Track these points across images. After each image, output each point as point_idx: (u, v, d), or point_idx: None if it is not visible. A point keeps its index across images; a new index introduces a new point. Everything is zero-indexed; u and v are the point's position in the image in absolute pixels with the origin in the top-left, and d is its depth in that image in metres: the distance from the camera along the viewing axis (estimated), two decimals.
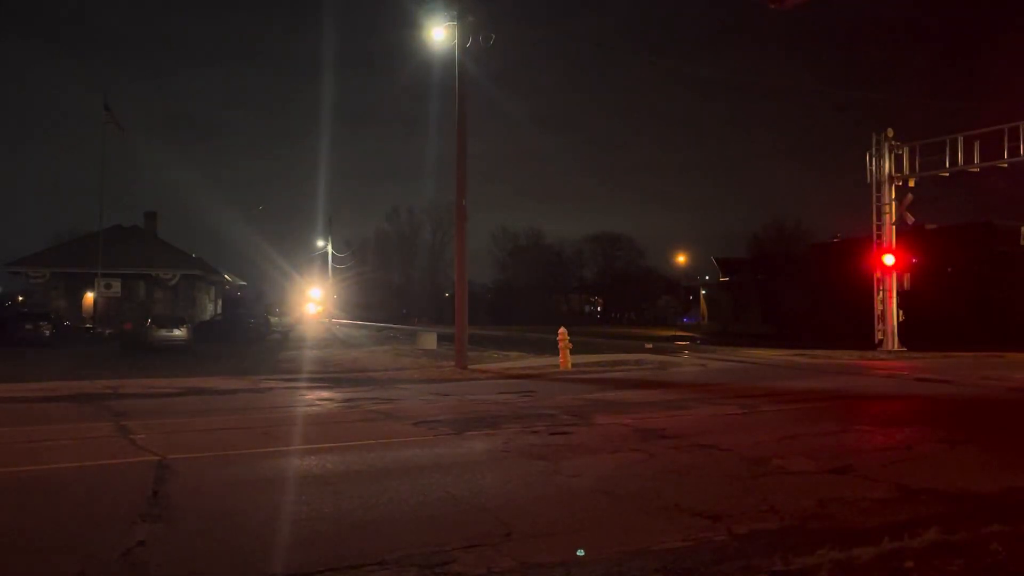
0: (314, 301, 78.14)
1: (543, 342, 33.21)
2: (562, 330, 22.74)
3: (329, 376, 20.01)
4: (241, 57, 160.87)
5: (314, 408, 13.50)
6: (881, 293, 30.03)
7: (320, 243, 77.49)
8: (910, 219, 30.25)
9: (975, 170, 27.87)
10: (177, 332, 32.00)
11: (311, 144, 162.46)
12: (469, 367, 21.64)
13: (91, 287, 40.75)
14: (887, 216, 30.04)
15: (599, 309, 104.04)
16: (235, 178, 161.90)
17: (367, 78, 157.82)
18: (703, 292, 68.16)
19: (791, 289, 45.47)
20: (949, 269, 36.74)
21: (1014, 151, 26.37)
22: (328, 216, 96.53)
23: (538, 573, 4.81)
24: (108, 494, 6.98)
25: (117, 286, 40.70)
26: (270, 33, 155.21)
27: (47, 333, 32.42)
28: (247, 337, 38.55)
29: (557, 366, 21.72)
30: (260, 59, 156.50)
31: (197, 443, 9.65)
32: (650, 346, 34.61)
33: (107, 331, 37.32)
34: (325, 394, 15.66)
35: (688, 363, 24.25)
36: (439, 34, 22.53)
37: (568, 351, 22.18)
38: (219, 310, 53.06)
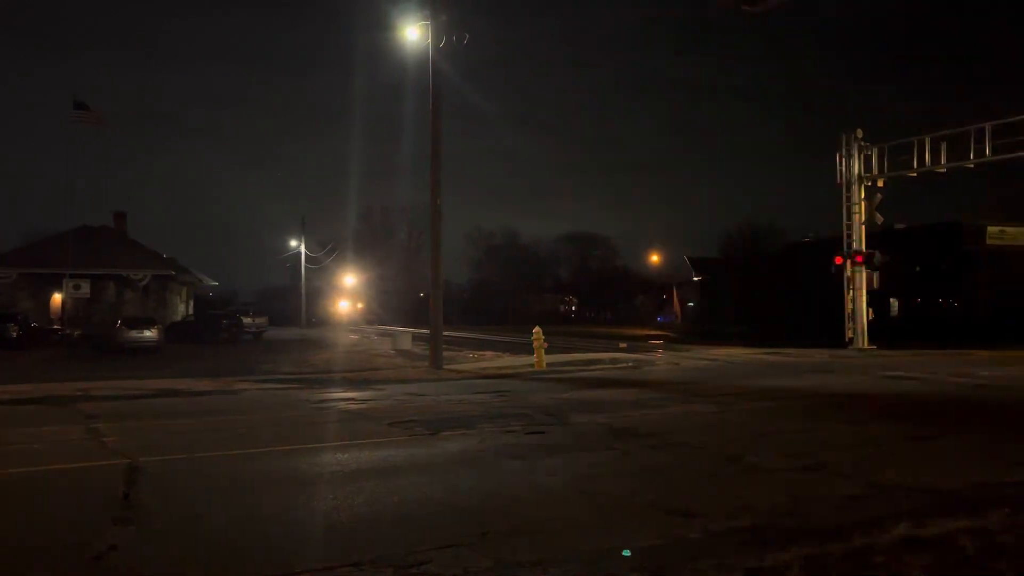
0: (348, 297, 72.76)
1: (518, 342, 33.26)
2: (537, 329, 22.78)
3: (303, 377, 19.88)
4: (214, 55, 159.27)
5: (288, 409, 13.40)
6: (851, 292, 30.45)
7: (293, 243, 76.98)
8: (879, 219, 30.72)
9: (942, 171, 28.32)
10: (148, 333, 31.64)
11: (285, 143, 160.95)
12: (444, 367, 21.61)
13: (59, 288, 40.07)
14: (857, 216, 30.46)
15: (574, 309, 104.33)
16: (210, 177, 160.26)
17: (342, 76, 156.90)
18: (677, 291, 68.61)
19: (764, 288, 45.93)
20: (917, 268, 37.31)
21: (980, 152, 26.85)
22: (302, 217, 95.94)
23: (514, 572, 4.82)
24: (78, 498, 6.88)
25: (86, 287, 40.04)
26: (246, 31, 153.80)
27: (14, 335, 31.91)
28: (220, 338, 38.20)
29: (532, 366, 21.74)
30: (235, 57, 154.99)
31: (169, 445, 9.54)
32: (624, 345, 34.77)
33: (76, 332, 36.79)
34: (299, 395, 15.56)
35: (662, 362, 24.39)
36: (413, 33, 22.47)
37: (543, 351, 22.22)
38: (191, 311, 52.48)
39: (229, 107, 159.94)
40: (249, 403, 14.40)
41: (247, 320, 45.96)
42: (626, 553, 5.06)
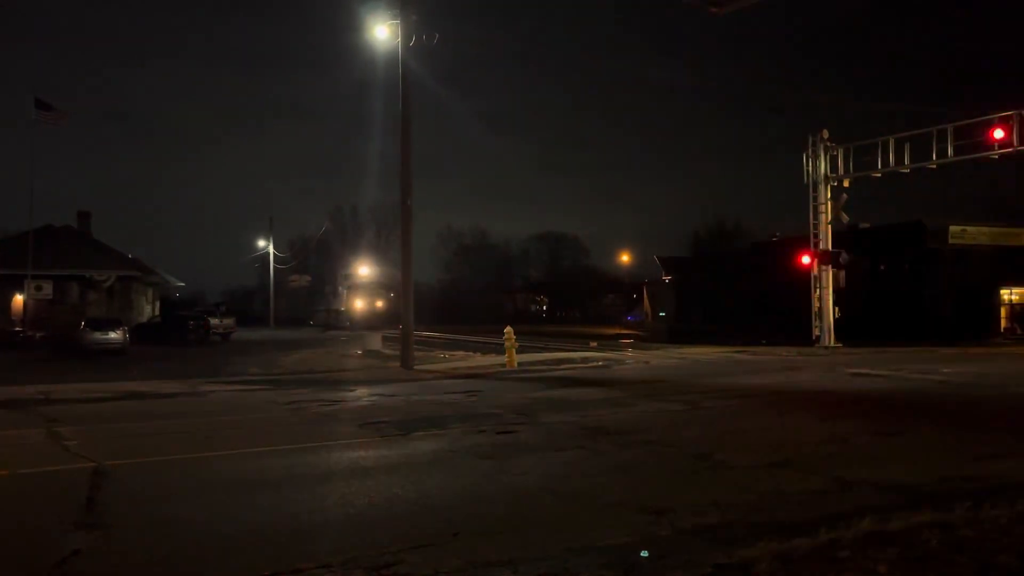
0: (370, 288, 65.98)
1: (489, 341, 33.26)
2: (508, 329, 22.79)
3: (272, 378, 19.70)
4: (178, 53, 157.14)
5: (257, 411, 13.27)
6: (818, 291, 30.86)
7: (261, 243, 76.29)
8: (845, 218, 31.17)
9: (905, 171, 28.80)
10: (112, 335, 31.14)
11: (254, 141, 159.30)
12: (415, 367, 21.54)
13: (20, 289, 39.30)
14: (823, 215, 30.87)
15: (545, 308, 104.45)
16: (176, 177, 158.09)
17: (312, 76, 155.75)
18: (647, 290, 69.03)
19: (732, 287, 46.31)
20: (882, 267, 37.88)
21: (942, 152, 27.35)
22: (269, 217, 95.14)
23: (485, 572, 4.82)
24: (40, 503, 6.76)
25: (48, 288, 39.29)
26: (212, 28, 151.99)
27: None
28: (187, 339, 37.72)
29: (503, 365, 21.75)
30: (200, 55, 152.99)
31: (134, 448, 9.39)
32: (595, 344, 34.91)
33: (38, 335, 36.10)
34: (268, 396, 15.41)
35: (632, 361, 24.52)
36: (382, 32, 22.38)
37: (514, 350, 22.25)
38: (157, 312, 51.73)
39: (193, 105, 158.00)
40: (217, 405, 14.23)
41: (215, 321, 45.38)
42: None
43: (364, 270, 68.06)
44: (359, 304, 64.66)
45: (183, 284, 61.32)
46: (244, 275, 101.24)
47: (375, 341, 31.05)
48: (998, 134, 25.97)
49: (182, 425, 11.62)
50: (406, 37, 21.94)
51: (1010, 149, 25.94)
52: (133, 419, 12.23)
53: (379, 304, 64.59)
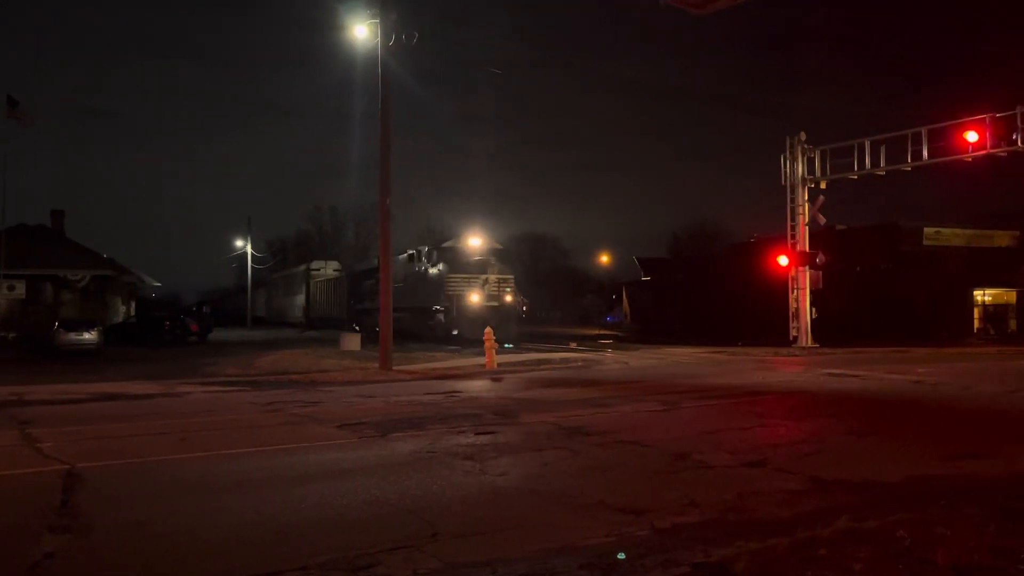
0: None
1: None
2: (488, 330, 22.78)
3: (249, 379, 19.54)
4: (155, 51, 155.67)
5: (234, 412, 13.15)
6: (795, 292, 31.14)
7: (239, 243, 75.67)
8: (822, 220, 31.48)
9: (881, 173, 29.13)
10: (87, 335, 30.74)
11: (232, 140, 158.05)
12: (394, 368, 21.46)
13: None
14: (800, 217, 31.16)
15: (524, 308, 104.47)
16: (153, 176, 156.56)
17: (291, 74, 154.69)
18: (626, 291, 69.25)
19: (710, 288, 46.60)
20: (858, 268, 38.27)
21: (917, 155, 27.69)
22: (247, 217, 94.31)
23: (464, 573, 4.81)
24: (12, 505, 6.65)
25: (21, 288, 38.73)
26: (191, 26, 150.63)
27: None
28: (163, 340, 37.33)
29: (483, 366, 21.74)
30: (177, 53, 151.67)
31: (109, 450, 9.28)
32: (574, 344, 34.97)
33: (11, 335, 35.60)
34: (245, 397, 15.29)
35: (611, 361, 24.60)
36: (361, 31, 22.28)
37: (494, 351, 22.25)
38: (133, 312, 51.18)
39: (171, 104, 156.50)
40: (193, 406, 14.09)
41: (192, 321, 44.92)
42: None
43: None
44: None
45: (159, 284, 60.62)
46: (222, 275, 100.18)
47: (354, 342, 30.83)
48: (971, 137, 26.35)
49: (158, 427, 11.49)
50: (385, 36, 21.86)
51: (983, 152, 26.34)
52: (108, 421, 12.09)
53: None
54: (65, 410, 13.47)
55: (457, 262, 33.95)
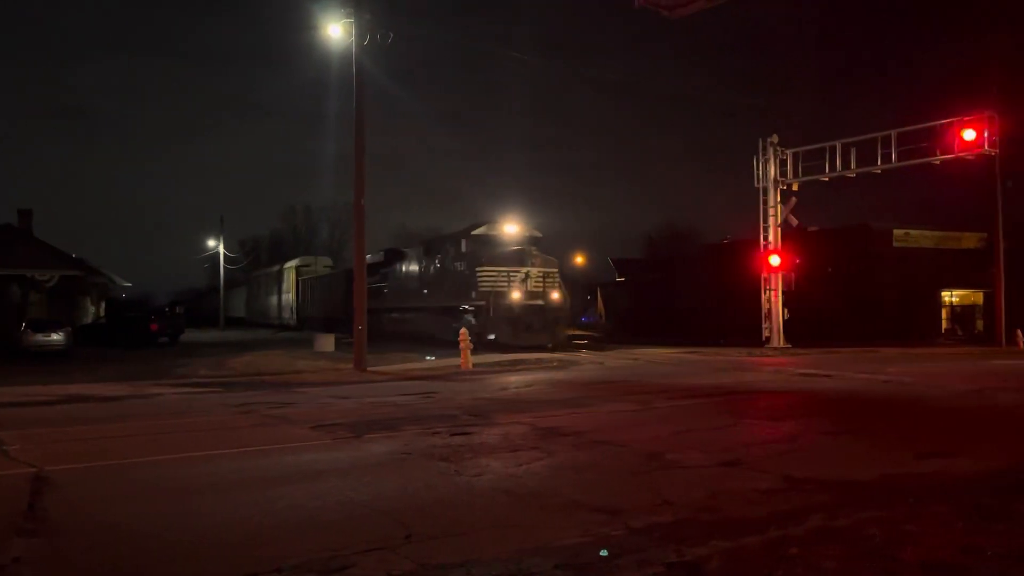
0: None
1: (444, 342, 33.11)
2: (463, 330, 22.76)
3: (222, 380, 19.35)
4: (126, 47, 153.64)
5: (206, 414, 13.01)
6: (768, 292, 31.40)
7: (211, 243, 74.90)
8: (794, 221, 31.77)
9: (852, 175, 29.48)
10: (55, 336, 30.29)
11: (205, 139, 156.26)
12: (368, 369, 21.38)
13: None
14: (773, 218, 31.44)
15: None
16: (123, 175, 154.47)
17: (265, 73, 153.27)
18: (601, 292, 69.52)
19: (684, 288, 46.91)
20: (829, 269, 38.72)
21: (887, 158, 28.07)
22: (220, 216, 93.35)
23: (438, 574, 4.80)
24: None
25: None
26: (163, 24, 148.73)
27: None
28: (133, 340, 36.86)
29: (458, 366, 21.71)
30: (149, 50, 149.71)
31: (78, 453, 9.14)
32: (550, 345, 35.01)
33: None
34: (218, 399, 15.13)
35: (586, 361, 24.68)
36: (335, 31, 22.18)
37: (469, 351, 22.23)
38: (102, 312, 50.48)
39: (143, 102, 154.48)
40: (164, 408, 13.92)
41: (163, 322, 44.34)
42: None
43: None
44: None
45: (130, 284, 59.89)
46: (194, 275, 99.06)
47: (328, 342, 30.65)
48: (944, 139, 26.81)
49: (128, 428, 11.35)
50: (360, 36, 21.78)
51: (951, 155, 26.78)
52: (77, 423, 11.90)
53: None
54: (33, 412, 13.25)
55: (490, 252, 28.46)
